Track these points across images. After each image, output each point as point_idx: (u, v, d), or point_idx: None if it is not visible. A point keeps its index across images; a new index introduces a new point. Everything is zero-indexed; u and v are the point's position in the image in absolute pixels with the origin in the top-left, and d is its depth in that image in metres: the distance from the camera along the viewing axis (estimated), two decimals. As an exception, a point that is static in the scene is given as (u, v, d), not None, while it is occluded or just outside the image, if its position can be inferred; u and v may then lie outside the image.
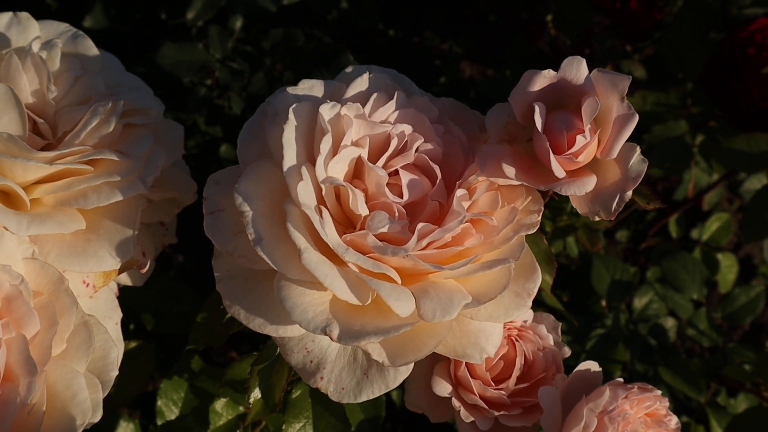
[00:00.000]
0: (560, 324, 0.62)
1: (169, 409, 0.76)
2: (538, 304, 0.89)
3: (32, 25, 0.61)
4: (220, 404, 0.71)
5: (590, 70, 0.65)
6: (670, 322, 1.14)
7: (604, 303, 1.14)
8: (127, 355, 0.71)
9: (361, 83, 0.54)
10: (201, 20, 0.98)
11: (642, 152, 0.58)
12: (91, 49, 0.61)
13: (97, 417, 0.51)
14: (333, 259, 0.48)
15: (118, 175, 0.54)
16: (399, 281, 0.49)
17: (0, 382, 0.48)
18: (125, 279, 0.62)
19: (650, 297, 1.14)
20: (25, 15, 0.61)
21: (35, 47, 0.58)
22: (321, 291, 0.49)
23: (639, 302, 1.14)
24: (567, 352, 0.62)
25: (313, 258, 0.47)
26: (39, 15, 0.66)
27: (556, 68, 0.52)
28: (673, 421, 0.59)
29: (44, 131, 0.57)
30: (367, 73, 0.55)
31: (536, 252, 0.63)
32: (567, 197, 0.95)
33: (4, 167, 0.51)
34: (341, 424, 0.63)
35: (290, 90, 0.53)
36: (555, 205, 1.10)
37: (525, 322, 0.61)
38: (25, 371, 0.47)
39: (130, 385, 0.70)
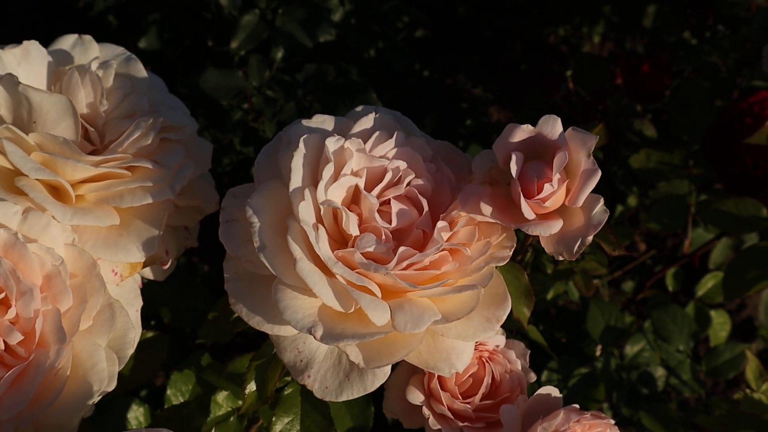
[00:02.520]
0: (529, 351, 0.69)
1: (177, 398, 0.84)
2: (523, 337, 0.95)
3: (93, 47, 0.70)
4: (221, 396, 0.78)
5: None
6: (659, 371, 1.19)
7: (599, 348, 1.20)
8: (144, 343, 0.79)
9: (367, 122, 0.62)
10: (243, 50, 1.07)
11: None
12: (140, 71, 0.70)
13: (111, 386, 0.59)
14: (324, 270, 0.56)
15: (151, 182, 0.62)
16: (379, 295, 0.56)
17: (34, 346, 0.56)
18: (148, 273, 0.70)
19: (642, 345, 1.19)
20: (88, 38, 0.70)
21: (94, 66, 0.67)
22: (311, 298, 0.57)
23: (631, 349, 1.19)
24: (532, 377, 0.68)
25: (306, 267, 0.55)
26: (100, 31, 0.75)
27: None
28: (623, 449, 0.65)
29: (93, 138, 0.66)
30: (374, 113, 0.63)
31: (516, 286, 0.70)
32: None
33: (56, 166, 0.60)
34: (325, 421, 0.71)
35: (304, 122, 0.61)
36: (558, 250, 1.16)
37: (497, 346, 0.68)
38: (56, 339, 0.56)
39: (144, 370, 0.78)
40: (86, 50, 0.70)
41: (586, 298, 1.26)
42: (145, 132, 0.64)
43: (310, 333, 0.55)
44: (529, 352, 0.70)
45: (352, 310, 0.56)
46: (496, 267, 0.61)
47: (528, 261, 1.15)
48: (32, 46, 0.66)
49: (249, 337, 0.86)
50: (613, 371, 1.16)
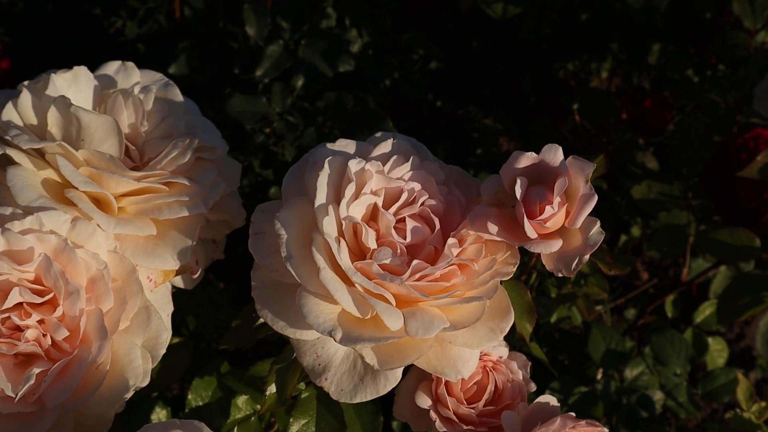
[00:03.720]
0: (530, 363, 0.74)
1: (197, 402, 0.89)
2: (526, 356, 1.00)
3: (135, 73, 0.77)
4: (241, 400, 0.83)
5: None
6: (658, 395, 1.23)
7: (600, 371, 1.24)
8: (170, 348, 0.84)
9: (386, 146, 0.67)
10: (267, 78, 1.14)
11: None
12: (177, 96, 0.77)
13: (145, 382, 0.64)
14: (344, 279, 0.61)
15: (187, 197, 0.68)
16: (394, 304, 0.62)
17: (78, 342, 0.62)
18: (179, 282, 0.76)
19: (642, 369, 1.24)
20: (130, 64, 0.77)
21: (136, 90, 0.73)
22: (332, 304, 0.62)
23: (630, 373, 1.23)
24: (533, 387, 0.73)
25: (328, 276, 0.60)
26: (129, 57, 0.81)
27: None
28: (616, 456, 0.70)
29: (134, 156, 0.72)
30: (392, 139, 0.69)
31: (520, 303, 0.76)
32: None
33: (102, 179, 0.66)
34: (339, 424, 0.76)
35: (329, 145, 0.67)
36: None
37: (501, 357, 0.73)
38: (98, 336, 0.61)
39: (169, 374, 0.83)
40: (128, 75, 0.76)
41: (589, 323, 1.31)
42: (182, 151, 0.70)
43: (331, 335, 0.60)
44: (530, 363, 0.75)
45: (369, 316, 0.61)
46: (502, 284, 0.67)
47: (533, 284, 1.20)
48: (81, 71, 0.73)
49: (267, 347, 0.91)
50: (613, 393, 1.20)
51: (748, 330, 1.62)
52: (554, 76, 1.92)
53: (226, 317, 0.88)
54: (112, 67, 0.76)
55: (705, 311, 1.27)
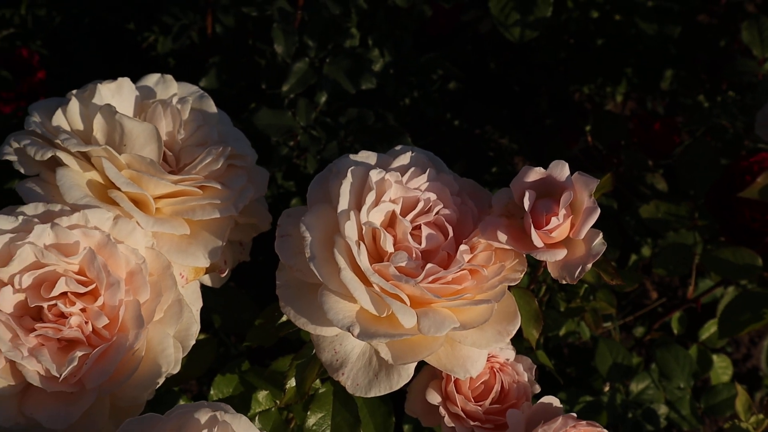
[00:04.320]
0: (535, 366, 0.79)
1: (219, 397, 0.94)
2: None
3: (173, 85, 0.83)
4: (261, 395, 0.88)
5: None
6: (663, 409, 1.27)
7: (607, 385, 1.28)
8: (196, 343, 0.89)
9: (404, 159, 0.73)
10: (293, 93, 1.20)
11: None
12: (211, 107, 0.82)
13: (176, 370, 0.70)
14: (363, 280, 0.66)
15: (219, 200, 0.74)
16: (408, 304, 0.66)
17: (116, 330, 0.67)
18: (207, 280, 0.81)
19: (647, 383, 1.27)
20: (168, 77, 0.83)
21: (174, 101, 0.79)
22: (351, 303, 0.67)
23: (636, 386, 1.27)
24: (537, 389, 0.78)
25: (348, 275, 0.65)
26: (159, 71, 0.86)
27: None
28: (614, 456, 0.74)
29: (170, 161, 0.77)
30: (410, 152, 0.74)
31: (527, 310, 0.80)
32: (581, 285, 1.13)
33: (142, 181, 0.72)
34: (353, 419, 0.80)
35: (351, 156, 0.72)
36: (571, 289, 1.26)
37: (507, 360, 0.78)
38: (135, 325, 0.67)
39: (194, 368, 0.88)
40: (167, 87, 0.82)
41: (597, 338, 1.35)
42: (216, 158, 0.75)
43: (349, 330, 0.65)
44: (535, 367, 0.79)
45: (385, 314, 0.66)
46: (510, 292, 0.72)
47: (542, 298, 1.25)
48: (125, 82, 0.79)
49: (284, 348, 0.96)
50: (618, 406, 1.24)
51: (755, 350, 1.65)
52: (570, 98, 1.97)
53: (249, 317, 0.93)
54: (152, 79, 0.82)
55: (710, 329, 1.30)
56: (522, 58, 1.94)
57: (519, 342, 0.97)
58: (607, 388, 1.29)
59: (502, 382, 0.76)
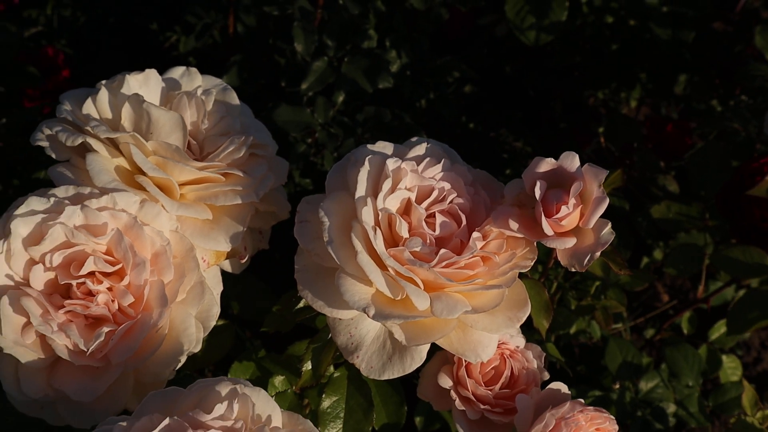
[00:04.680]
0: (544, 354, 0.81)
1: (236, 384, 0.96)
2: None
3: (197, 77, 0.85)
4: (278, 380, 0.90)
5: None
6: (671, 408, 1.28)
7: (617, 385, 1.30)
8: (215, 329, 0.92)
9: (420, 149, 0.75)
10: (312, 91, 1.22)
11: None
12: (234, 99, 0.85)
13: (197, 348, 0.72)
14: (378, 264, 0.69)
15: (241, 187, 0.77)
16: (422, 287, 0.69)
17: (141, 309, 0.70)
18: (227, 266, 0.84)
19: (656, 382, 1.29)
20: (193, 70, 0.86)
21: (198, 92, 0.82)
22: (367, 286, 0.70)
23: (645, 385, 1.28)
24: (546, 376, 0.80)
25: (365, 259, 0.68)
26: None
27: None
28: (620, 442, 0.76)
29: (194, 150, 0.80)
30: (426, 143, 0.76)
31: (538, 301, 0.83)
32: (592, 284, 1.14)
33: (167, 167, 0.75)
34: (366, 403, 0.83)
35: (369, 146, 0.75)
36: (582, 288, 1.28)
37: (517, 347, 0.80)
38: (159, 304, 0.69)
39: (213, 352, 0.91)
40: (192, 80, 0.85)
41: (607, 337, 1.37)
42: (238, 147, 0.78)
43: (365, 312, 0.67)
44: (545, 354, 0.81)
45: (399, 297, 0.69)
46: (522, 280, 0.74)
47: (553, 297, 1.27)
48: (152, 74, 0.82)
49: (300, 334, 0.98)
50: (627, 403, 1.26)
51: (765, 354, 1.66)
52: (584, 103, 1.99)
53: (266, 305, 0.95)
54: (177, 72, 0.85)
55: (720, 329, 1.32)
56: (537, 62, 1.96)
57: (530, 334, 0.99)
58: (616, 387, 1.30)
59: (512, 368, 0.78)
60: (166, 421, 0.59)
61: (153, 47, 1.78)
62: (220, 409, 0.59)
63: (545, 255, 0.99)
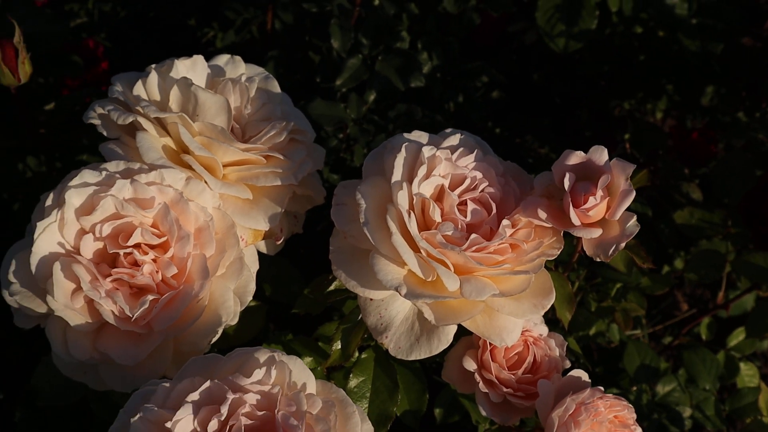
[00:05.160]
0: (566, 343, 0.83)
1: (264, 365, 1.00)
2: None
3: (241, 65, 0.89)
4: (306, 360, 0.93)
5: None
6: (687, 412, 1.30)
7: (635, 388, 1.32)
8: (247, 310, 0.95)
9: (454, 139, 0.78)
10: (345, 87, 1.26)
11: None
12: (275, 87, 0.89)
13: (234, 321, 0.76)
14: (412, 246, 0.72)
15: (280, 169, 0.80)
16: (452, 270, 0.72)
17: (183, 280, 0.73)
18: (263, 247, 0.87)
19: (673, 386, 1.30)
20: (238, 58, 0.89)
21: (242, 79, 0.85)
22: (399, 267, 0.73)
23: (662, 388, 1.30)
24: (567, 364, 0.82)
25: (399, 240, 0.71)
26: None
27: None
28: (638, 430, 0.78)
29: (237, 133, 0.84)
30: (460, 134, 0.79)
31: (561, 293, 0.85)
32: (613, 286, 1.17)
33: (212, 147, 0.78)
34: (392, 384, 0.86)
35: (405, 135, 0.78)
36: (602, 290, 1.31)
37: (540, 335, 0.83)
38: (201, 276, 0.73)
39: (246, 331, 0.94)
40: (236, 67, 0.89)
41: (625, 341, 1.39)
42: (279, 131, 0.81)
43: (397, 290, 0.70)
44: (566, 344, 0.84)
45: (430, 279, 0.72)
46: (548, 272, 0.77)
47: (575, 297, 1.29)
48: (199, 60, 0.85)
49: (326, 319, 1.01)
50: (644, 405, 1.27)
51: (783, 366, 1.67)
52: (610, 113, 2.01)
53: (297, 290, 0.99)
54: (222, 59, 0.89)
55: (738, 336, 1.33)
56: (565, 70, 1.99)
57: (552, 328, 1.02)
58: (633, 389, 1.32)
59: (534, 354, 0.80)
60: (207, 384, 0.62)
61: (190, 43, 1.83)
62: (258, 374, 0.62)
63: (567, 255, 1.02)
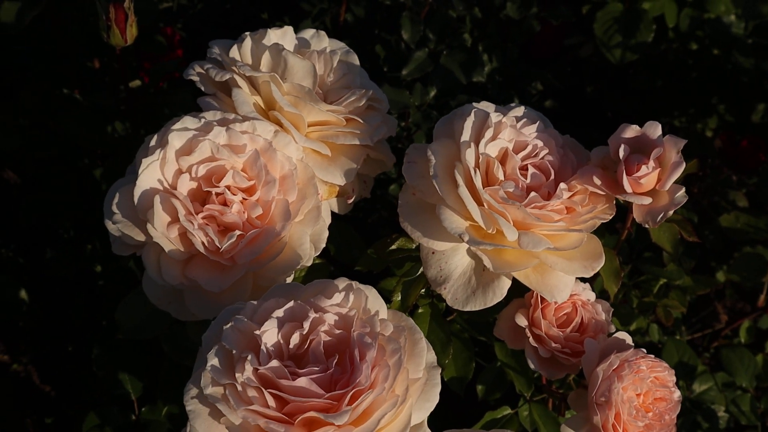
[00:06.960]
0: (612, 309, 0.89)
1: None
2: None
3: (325, 39, 0.98)
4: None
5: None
6: (722, 412, 1.33)
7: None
8: (313, 266, 1.03)
9: (519, 111, 0.85)
10: (411, 77, 1.34)
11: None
12: (355, 60, 0.97)
13: (309, 263, 0.83)
14: (476, 199, 0.79)
15: (358, 131, 0.88)
16: (511, 224, 0.78)
17: (267, 221, 0.81)
18: (334, 205, 0.95)
19: (710, 385, 1.34)
20: (322, 32, 0.98)
21: (327, 51, 0.94)
22: (463, 219, 0.80)
23: (698, 387, 1.34)
24: (612, 328, 0.88)
25: (465, 192, 0.78)
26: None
27: None
28: (676, 393, 0.84)
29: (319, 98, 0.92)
30: (524, 108, 0.86)
31: (609, 266, 0.91)
32: (657, 280, 1.21)
33: (299, 105, 0.86)
34: (446, 338, 0.92)
35: (474, 104, 0.85)
36: (645, 287, 1.35)
37: (589, 300, 0.88)
38: (283, 218, 0.80)
39: (311, 286, 1.01)
40: (320, 41, 0.97)
41: (663, 342, 1.43)
42: (359, 97, 0.89)
43: (460, 237, 0.77)
44: (612, 310, 0.89)
45: (492, 230, 0.78)
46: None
47: (618, 294, 1.34)
48: (288, 30, 0.94)
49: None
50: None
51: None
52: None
53: (358, 254, 1.06)
54: (308, 33, 0.97)
55: (777, 340, 1.37)
56: (618, 85, 2.04)
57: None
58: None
59: (582, 316, 0.86)
60: (291, 303, 0.69)
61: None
62: (338, 297, 0.69)
63: (614, 242, 1.08)
